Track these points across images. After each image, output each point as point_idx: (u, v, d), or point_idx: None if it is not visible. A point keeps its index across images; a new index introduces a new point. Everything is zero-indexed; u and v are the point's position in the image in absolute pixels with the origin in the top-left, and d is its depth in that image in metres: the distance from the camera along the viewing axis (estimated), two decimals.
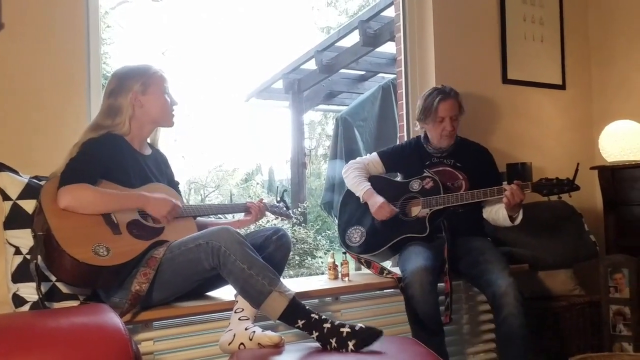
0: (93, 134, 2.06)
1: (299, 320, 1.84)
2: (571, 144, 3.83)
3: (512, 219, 2.56)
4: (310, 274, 6.64)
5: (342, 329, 1.78)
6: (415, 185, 2.69)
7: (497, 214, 2.62)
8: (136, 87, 2.13)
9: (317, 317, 1.84)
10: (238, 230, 2.00)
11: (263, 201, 2.47)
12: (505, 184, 2.54)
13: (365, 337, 1.75)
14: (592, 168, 3.33)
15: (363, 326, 1.79)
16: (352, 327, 1.78)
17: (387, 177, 2.85)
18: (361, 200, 2.73)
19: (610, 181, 3.24)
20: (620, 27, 3.78)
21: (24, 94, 2.34)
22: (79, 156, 1.98)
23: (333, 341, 1.77)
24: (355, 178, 2.78)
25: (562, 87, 3.80)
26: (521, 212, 2.56)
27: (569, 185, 2.39)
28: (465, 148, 2.82)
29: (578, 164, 2.38)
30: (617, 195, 3.22)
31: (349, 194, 2.85)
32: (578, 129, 3.88)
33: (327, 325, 1.81)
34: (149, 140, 2.29)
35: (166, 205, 2.06)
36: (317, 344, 1.81)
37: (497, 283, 2.34)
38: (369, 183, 2.75)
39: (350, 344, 1.74)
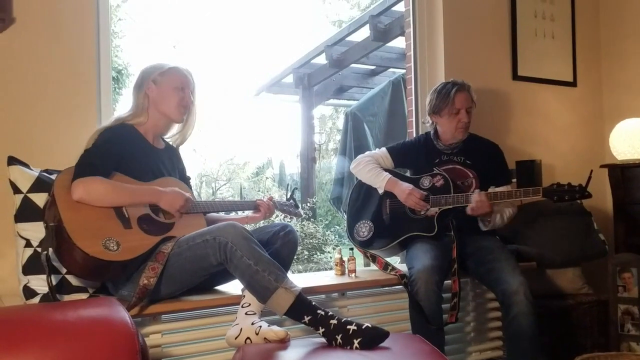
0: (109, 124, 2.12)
1: (305, 316, 1.85)
2: (581, 141, 3.80)
3: (483, 223, 2.58)
4: (319, 269, 6.62)
5: (348, 326, 1.78)
6: (425, 182, 2.67)
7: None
8: (153, 76, 2.19)
9: (323, 313, 1.85)
10: (245, 226, 2.01)
11: (273, 199, 2.47)
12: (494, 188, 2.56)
13: (372, 337, 1.75)
14: (602, 166, 3.31)
15: (370, 325, 1.79)
16: (358, 325, 1.78)
17: (397, 172, 2.82)
18: (381, 190, 2.70)
19: (620, 180, 3.22)
20: (631, 25, 3.74)
21: (35, 87, 2.36)
22: (93, 148, 2.01)
23: (339, 337, 1.77)
24: (371, 170, 2.74)
25: (572, 84, 3.77)
26: (497, 219, 2.59)
27: (581, 193, 2.35)
28: (476, 144, 2.79)
29: (592, 171, 2.33)
30: (627, 194, 3.20)
31: (359, 188, 2.84)
32: (588, 126, 3.85)
33: (334, 321, 1.81)
34: (178, 142, 2.36)
35: (179, 200, 2.08)
36: (323, 340, 1.82)
37: (507, 281, 2.33)
38: (388, 173, 2.73)
39: (356, 342, 1.74)
